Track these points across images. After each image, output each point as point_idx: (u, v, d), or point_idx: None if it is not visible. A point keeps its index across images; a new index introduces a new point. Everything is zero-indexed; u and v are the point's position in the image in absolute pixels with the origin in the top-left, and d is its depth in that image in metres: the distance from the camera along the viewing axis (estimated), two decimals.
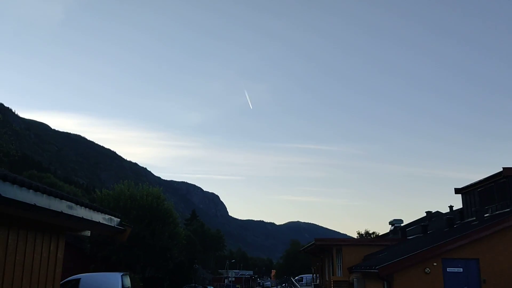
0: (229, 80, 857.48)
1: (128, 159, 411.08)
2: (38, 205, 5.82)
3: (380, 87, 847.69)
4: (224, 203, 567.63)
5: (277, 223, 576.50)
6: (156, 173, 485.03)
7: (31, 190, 5.71)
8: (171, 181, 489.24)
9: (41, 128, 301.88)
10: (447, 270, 18.40)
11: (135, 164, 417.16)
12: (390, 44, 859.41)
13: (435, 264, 18.35)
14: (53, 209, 6.19)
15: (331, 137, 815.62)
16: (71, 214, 6.66)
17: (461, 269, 18.43)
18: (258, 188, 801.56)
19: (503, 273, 18.12)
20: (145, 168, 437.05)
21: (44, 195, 6.05)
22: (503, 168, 20.84)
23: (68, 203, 6.66)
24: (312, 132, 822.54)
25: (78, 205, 6.98)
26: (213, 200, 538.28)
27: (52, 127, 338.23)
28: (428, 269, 18.27)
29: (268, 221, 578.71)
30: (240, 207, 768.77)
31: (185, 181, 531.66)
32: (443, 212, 37.42)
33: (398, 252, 22.59)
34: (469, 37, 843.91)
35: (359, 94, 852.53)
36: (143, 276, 47.34)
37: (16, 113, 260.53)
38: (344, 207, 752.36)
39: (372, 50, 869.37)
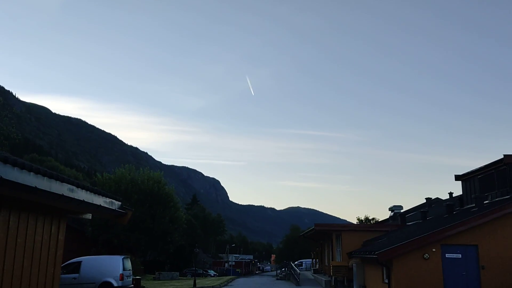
0: (231, 65, 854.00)
1: (129, 144, 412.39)
2: (38, 187, 5.82)
3: (383, 73, 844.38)
4: (225, 188, 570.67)
5: (278, 208, 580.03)
6: (157, 157, 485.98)
7: (31, 173, 5.71)
8: (172, 165, 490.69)
9: (42, 112, 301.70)
10: (446, 256, 18.51)
11: (136, 148, 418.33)
12: (394, 29, 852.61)
13: (434, 250, 18.45)
14: (54, 191, 6.19)
15: (334, 123, 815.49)
16: (72, 197, 6.66)
17: (460, 255, 18.53)
18: (259, 174, 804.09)
19: (502, 260, 18.23)
20: (146, 153, 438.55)
21: (45, 177, 6.04)
22: (504, 155, 20.82)
23: (69, 186, 6.66)
24: (314, 118, 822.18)
25: (79, 188, 6.98)
26: (214, 185, 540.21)
27: (53, 111, 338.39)
28: (427, 254, 18.38)
29: (269, 207, 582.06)
30: (241, 192, 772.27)
31: (186, 166, 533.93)
32: (443, 198, 37.53)
33: (398, 237, 22.70)
34: (470, 21, 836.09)
35: (363, 80, 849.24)
36: (144, 259, 47.79)
37: (16, 96, 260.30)
38: (345, 193, 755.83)
39: (376, 35, 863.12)
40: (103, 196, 8.04)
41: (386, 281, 19.34)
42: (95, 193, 7.63)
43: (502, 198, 21.04)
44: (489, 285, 17.99)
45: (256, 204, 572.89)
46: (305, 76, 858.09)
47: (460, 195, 26.57)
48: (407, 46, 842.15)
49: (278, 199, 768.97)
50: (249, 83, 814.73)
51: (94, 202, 7.50)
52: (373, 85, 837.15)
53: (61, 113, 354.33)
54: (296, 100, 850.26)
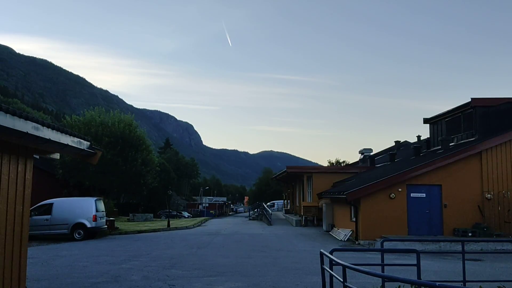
0: (205, 5, 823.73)
1: (98, 86, 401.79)
2: (1, 124, 5.60)
3: (360, 11, 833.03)
4: (198, 132, 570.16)
5: (251, 152, 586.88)
6: (128, 101, 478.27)
7: None
8: (144, 109, 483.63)
9: (5, 52, 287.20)
10: (411, 196, 19.34)
11: (106, 91, 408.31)
12: None
13: (400, 190, 19.20)
14: (18, 129, 5.98)
15: (308, 68, 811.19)
16: (37, 135, 6.46)
17: (424, 194, 19.38)
18: (233, 118, 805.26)
19: (462, 199, 19.17)
20: (117, 96, 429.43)
21: (8, 115, 5.79)
22: (472, 98, 21.30)
23: (34, 124, 6.43)
24: (290, 62, 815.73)
25: (44, 127, 6.75)
26: (187, 129, 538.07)
27: (17, 51, 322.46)
28: (393, 194, 19.13)
29: (242, 151, 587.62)
30: (215, 137, 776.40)
31: (158, 110, 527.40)
32: (412, 141, 38.58)
33: (366, 179, 23.43)
34: None
35: (340, 21, 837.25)
36: (118, 202, 48.08)
37: None
38: (317, 137, 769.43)
39: None
40: (70, 135, 7.83)
41: (354, 219, 20.15)
42: (62, 132, 7.42)
43: (467, 140, 21.78)
44: (450, 221, 19.02)
45: (230, 148, 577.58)
46: (283, 16, 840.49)
47: (428, 138, 27.34)
48: None
49: (252, 143, 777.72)
50: (227, 34, 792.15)
51: (61, 141, 7.31)
52: (350, 28, 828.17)
53: (26, 54, 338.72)
54: (273, 42, 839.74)
